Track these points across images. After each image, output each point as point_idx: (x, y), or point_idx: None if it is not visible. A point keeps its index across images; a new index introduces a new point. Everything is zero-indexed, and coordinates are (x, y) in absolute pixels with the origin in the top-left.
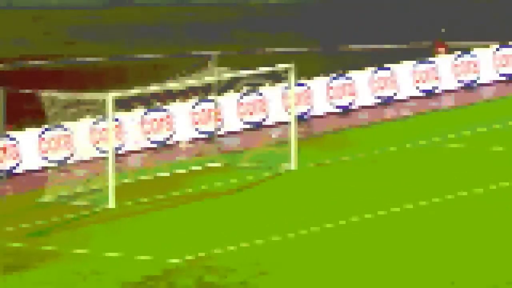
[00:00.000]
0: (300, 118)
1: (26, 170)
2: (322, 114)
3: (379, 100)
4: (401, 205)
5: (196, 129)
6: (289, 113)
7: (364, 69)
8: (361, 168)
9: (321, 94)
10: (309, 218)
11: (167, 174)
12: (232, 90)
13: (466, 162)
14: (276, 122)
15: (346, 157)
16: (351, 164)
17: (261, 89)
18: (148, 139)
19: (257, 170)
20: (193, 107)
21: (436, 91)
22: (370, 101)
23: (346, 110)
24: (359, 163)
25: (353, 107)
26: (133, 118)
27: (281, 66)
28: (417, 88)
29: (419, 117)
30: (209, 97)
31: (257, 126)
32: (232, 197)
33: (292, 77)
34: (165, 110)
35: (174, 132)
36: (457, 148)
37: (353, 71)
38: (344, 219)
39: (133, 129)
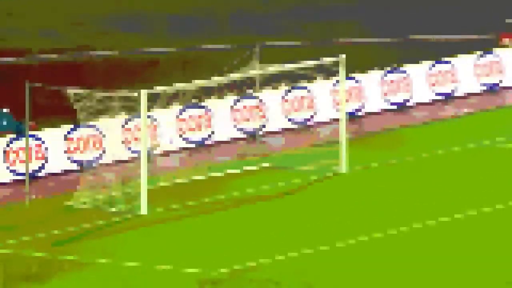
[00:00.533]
0: (351, 116)
1: (52, 173)
2: (375, 111)
3: (437, 97)
4: (463, 211)
5: (237, 128)
6: (339, 111)
7: (421, 63)
8: (417, 171)
9: (374, 90)
10: (359, 226)
11: (205, 177)
12: (277, 85)
13: None
14: (324, 121)
15: (402, 158)
16: (407, 166)
17: (309, 84)
18: (184, 138)
19: (303, 173)
20: (234, 103)
21: (500, 86)
22: (428, 97)
23: (401, 107)
24: (415, 165)
25: (409, 104)
26: (168, 115)
27: (330, 59)
28: (479, 83)
29: (481, 115)
30: (252, 93)
31: (304, 124)
32: (276, 203)
33: (342, 70)
34: (203, 107)
35: (213, 131)
36: None
37: (409, 64)
38: (395, 228)
39: (169, 128)
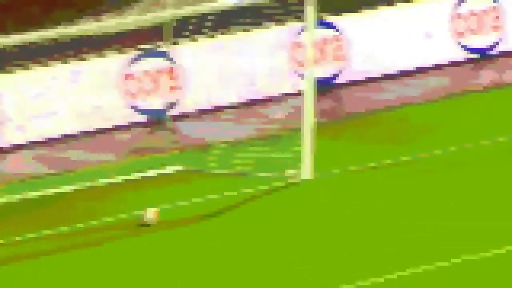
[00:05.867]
0: (323, 86)
1: None
2: (361, 79)
3: (468, 54)
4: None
5: (133, 107)
6: (303, 78)
7: None
8: (431, 176)
9: (362, 43)
10: (337, 272)
11: (77, 188)
12: (198, 36)
13: None
14: (276, 95)
15: (404, 156)
16: (411, 168)
17: (250, 33)
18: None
19: (239, 180)
20: (129, 65)
21: None
22: (451, 54)
23: (400, 75)
24: (428, 167)
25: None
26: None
27: None
28: None
29: None
30: (161, 48)
31: (244, 100)
32: (192, 230)
33: (310, 11)
34: (74, 71)
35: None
36: None
37: None
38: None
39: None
